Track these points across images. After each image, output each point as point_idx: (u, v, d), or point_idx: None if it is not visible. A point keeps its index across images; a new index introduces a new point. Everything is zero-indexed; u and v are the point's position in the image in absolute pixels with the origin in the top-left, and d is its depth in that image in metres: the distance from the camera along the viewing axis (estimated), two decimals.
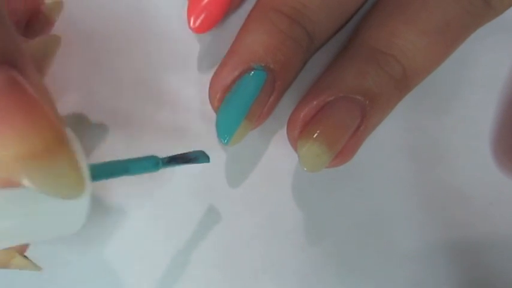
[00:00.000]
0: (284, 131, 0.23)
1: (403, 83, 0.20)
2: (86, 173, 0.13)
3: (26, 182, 0.11)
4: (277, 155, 0.23)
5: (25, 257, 0.18)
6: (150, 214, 0.22)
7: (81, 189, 0.12)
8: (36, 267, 0.18)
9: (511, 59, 0.24)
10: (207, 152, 0.23)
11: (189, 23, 0.21)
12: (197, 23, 0.21)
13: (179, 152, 0.18)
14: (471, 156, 0.23)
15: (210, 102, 0.21)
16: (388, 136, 0.23)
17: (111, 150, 0.22)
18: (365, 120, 0.20)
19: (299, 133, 0.20)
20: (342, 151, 0.20)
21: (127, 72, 0.23)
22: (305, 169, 0.19)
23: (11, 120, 0.10)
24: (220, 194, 0.23)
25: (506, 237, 0.22)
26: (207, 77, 0.21)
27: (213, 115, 0.21)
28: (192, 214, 0.22)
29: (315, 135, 0.19)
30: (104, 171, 0.15)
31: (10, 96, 0.11)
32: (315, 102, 0.20)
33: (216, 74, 0.20)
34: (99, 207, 0.22)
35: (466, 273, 0.22)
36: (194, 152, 0.18)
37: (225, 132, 0.19)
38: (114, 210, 0.22)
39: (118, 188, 0.22)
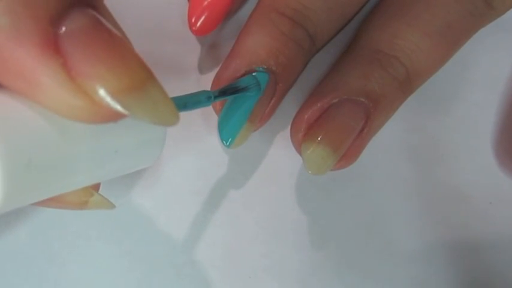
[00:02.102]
0: (284, 131, 0.23)
1: (406, 84, 0.20)
2: None
3: (128, 113, 0.11)
4: (277, 156, 0.23)
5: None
6: (150, 214, 0.22)
7: (177, 114, 0.12)
8: (111, 205, 0.18)
9: (511, 59, 0.24)
10: (208, 153, 0.23)
11: (189, 24, 0.21)
12: (198, 25, 0.20)
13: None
14: (471, 156, 0.23)
15: (212, 104, 0.21)
16: (388, 136, 0.23)
17: None
18: (369, 122, 0.20)
19: (303, 136, 0.20)
20: (346, 153, 0.20)
21: None
22: (310, 172, 0.19)
23: (105, 57, 0.11)
24: (220, 194, 0.23)
25: (506, 237, 0.22)
26: (209, 79, 0.21)
27: (214, 117, 0.21)
28: (192, 214, 0.22)
29: (319, 138, 0.19)
30: None
31: (99, 36, 0.11)
32: (318, 105, 0.20)
33: (218, 76, 0.20)
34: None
35: (466, 273, 0.22)
36: (243, 80, 0.19)
37: (227, 134, 0.19)
38: (114, 210, 0.22)
39: (118, 187, 0.22)
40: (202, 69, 0.23)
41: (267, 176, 0.23)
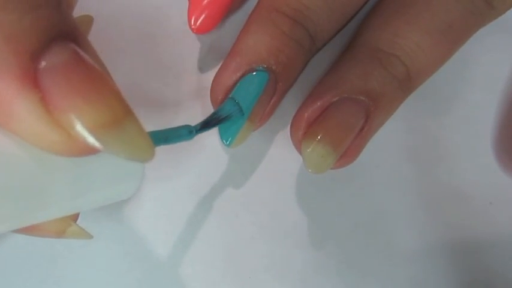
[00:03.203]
0: (284, 131, 0.23)
1: (406, 83, 0.20)
2: None
3: (103, 149, 0.11)
4: (277, 155, 0.23)
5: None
6: (150, 214, 0.22)
7: (152, 151, 0.13)
8: (89, 235, 0.18)
9: (511, 59, 0.24)
10: (208, 153, 0.23)
11: (189, 23, 0.21)
12: (198, 23, 0.21)
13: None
14: (471, 156, 0.23)
15: (212, 103, 0.21)
16: (388, 136, 0.23)
17: None
18: (369, 121, 0.20)
19: (303, 134, 0.20)
20: (346, 152, 0.20)
21: (127, 73, 0.23)
22: (309, 170, 0.19)
23: (83, 93, 0.11)
24: (220, 194, 0.23)
25: (506, 237, 0.22)
26: (208, 78, 0.21)
27: None
28: (192, 214, 0.22)
29: (319, 137, 0.19)
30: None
31: (79, 71, 0.11)
32: (318, 103, 0.20)
33: (217, 76, 0.20)
34: (98, 207, 0.22)
35: (466, 273, 0.22)
36: (225, 107, 0.19)
37: (227, 134, 0.19)
38: (114, 210, 0.22)
39: None
40: (202, 68, 0.23)
41: (267, 175, 0.23)
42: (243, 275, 0.22)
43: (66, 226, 0.17)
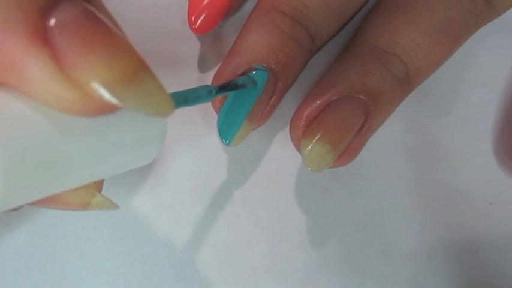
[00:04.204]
0: (284, 131, 0.23)
1: (406, 82, 0.20)
2: None
3: (121, 104, 0.11)
4: (277, 155, 0.23)
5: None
6: (150, 214, 0.22)
7: (172, 105, 0.12)
8: (115, 205, 0.17)
9: (511, 59, 0.24)
10: (208, 153, 0.23)
11: (189, 23, 0.21)
12: (198, 23, 0.21)
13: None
14: (471, 156, 0.23)
15: (212, 103, 0.21)
16: (388, 136, 0.23)
17: None
18: (368, 120, 0.20)
19: (302, 133, 0.20)
20: (345, 151, 0.20)
21: None
22: (309, 169, 0.19)
23: (95, 48, 0.11)
24: (220, 194, 0.23)
25: (506, 237, 0.22)
26: (209, 77, 0.21)
27: (214, 115, 0.21)
28: (192, 214, 0.22)
29: (318, 135, 0.19)
30: None
31: (90, 26, 0.11)
32: (318, 102, 0.20)
33: (217, 75, 0.20)
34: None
35: (466, 273, 0.22)
36: (242, 78, 0.19)
37: (227, 132, 0.19)
38: (114, 210, 0.22)
39: (118, 188, 0.22)
40: (202, 67, 0.23)
41: (267, 175, 0.23)
42: (243, 275, 0.22)
43: (91, 197, 0.16)
